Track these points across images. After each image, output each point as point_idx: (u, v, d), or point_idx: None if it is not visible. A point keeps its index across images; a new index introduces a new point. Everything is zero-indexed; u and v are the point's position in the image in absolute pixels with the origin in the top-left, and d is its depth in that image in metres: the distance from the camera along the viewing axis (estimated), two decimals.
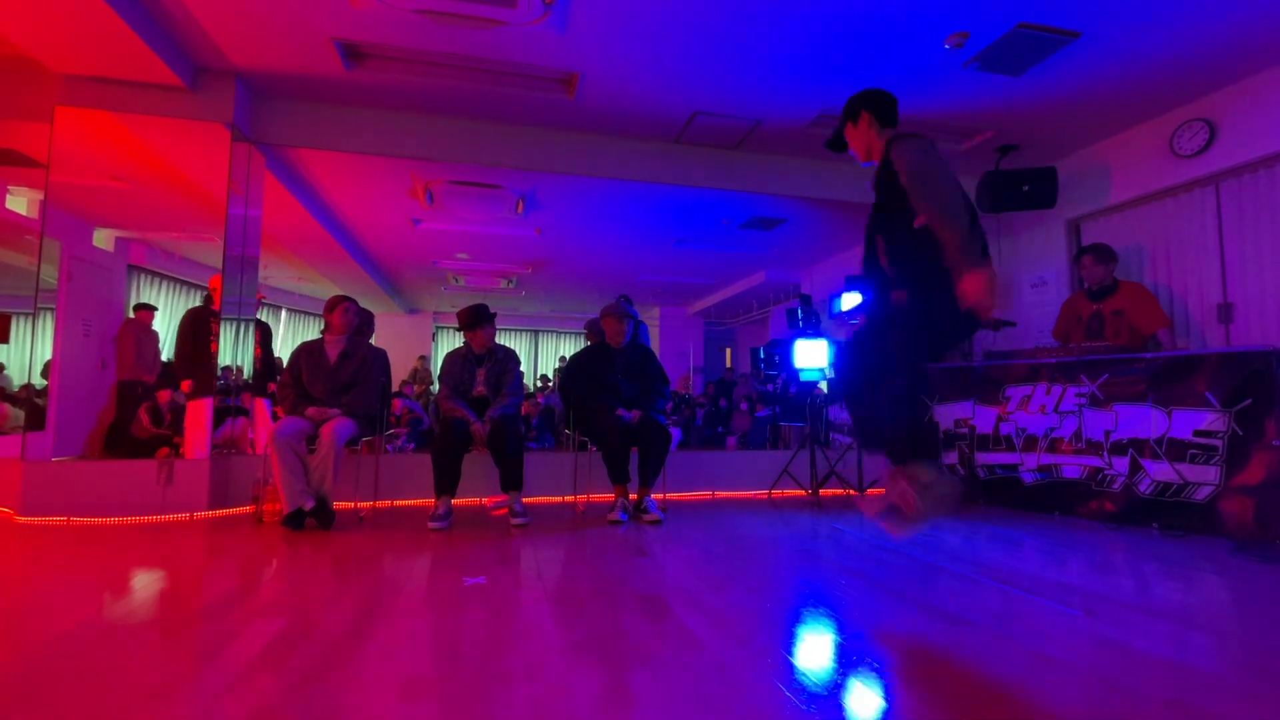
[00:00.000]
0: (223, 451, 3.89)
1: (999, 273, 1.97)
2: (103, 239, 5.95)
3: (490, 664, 1.53)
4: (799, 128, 4.43)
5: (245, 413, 4.28)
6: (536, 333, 13.52)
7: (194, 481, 3.58)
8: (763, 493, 4.56)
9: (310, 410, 3.39)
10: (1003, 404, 3.97)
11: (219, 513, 3.60)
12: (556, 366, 12.56)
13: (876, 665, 1.55)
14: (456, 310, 3.90)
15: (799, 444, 4.78)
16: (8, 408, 5.37)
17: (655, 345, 11.18)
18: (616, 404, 3.71)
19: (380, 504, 3.80)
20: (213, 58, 3.66)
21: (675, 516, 3.65)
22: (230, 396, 4.09)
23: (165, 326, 6.23)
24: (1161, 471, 3.25)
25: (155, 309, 5.90)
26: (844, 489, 4.58)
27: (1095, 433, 3.52)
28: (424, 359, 11.44)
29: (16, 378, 5.50)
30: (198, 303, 5.20)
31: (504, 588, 2.19)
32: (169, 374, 4.96)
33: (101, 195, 5.15)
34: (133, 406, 5.04)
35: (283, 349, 8.83)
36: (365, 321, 3.84)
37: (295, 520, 3.13)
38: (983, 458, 4.04)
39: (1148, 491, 3.30)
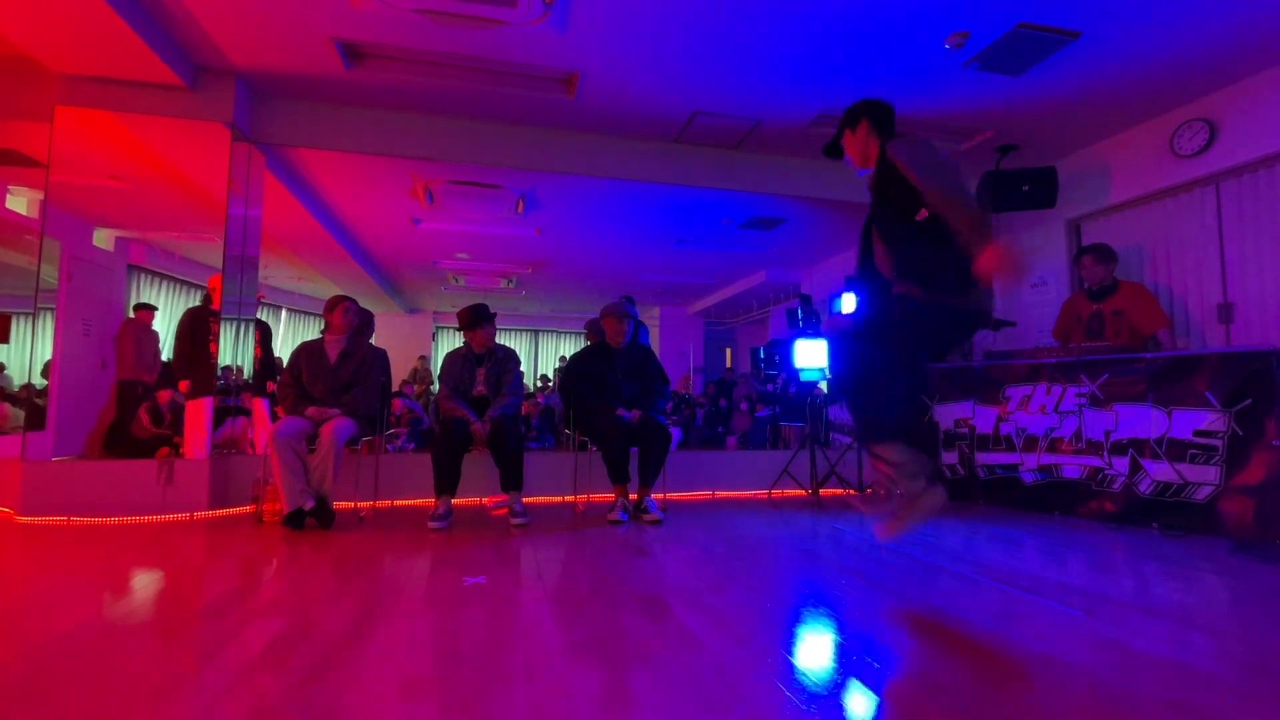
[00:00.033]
0: (223, 451, 3.89)
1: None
2: (103, 239, 5.94)
3: (490, 664, 1.53)
4: (799, 128, 4.43)
5: (245, 413, 4.28)
6: (536, 333, 13.53)
7: (194, 481, 3.58)
8: (763, 493, 4.56)
9: (310, 410, 3.39)
10: (1003, 404, 3.97)
11: (219, 513, 3.60)
12: (556, 366, 12.56)
13: (876, 665, 1.55)
14: (456, 310, 3.90)
15: (799, 444, 4.78)
16: (8, 407, 5.37)
17: (655, 345, 11.19)
18: (616, 404, 3.71)
19: (380, 504, 3.80)
20: (213, 57, 3.66)
21: (675, 516, 3.65)
22: (230, 396, 4.09)
23: (165, 326, 6.22)
24: (1161, 471, 3.25)
25: (155, 309, 5.89)
26: (844, 489, 4.58)
27: (1095, 433, 3.52)
28: (424, 359, 11.45)
29: (17, 377, 5.50)
30: (198, 302, 5.21)
31: (504, 588, 2.19)
32: (169, 374, 4.96)
33: (101, 195, 5.15)
34: (133, 406, 5.04)
35: (283, 349, 8.83)
36: (365, 321, 3.84)
37: (295, 520, 3.13)
38: (983, 458, 4.04)
39: (1148, 491, 3.30)
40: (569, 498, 4.16)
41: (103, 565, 2.50)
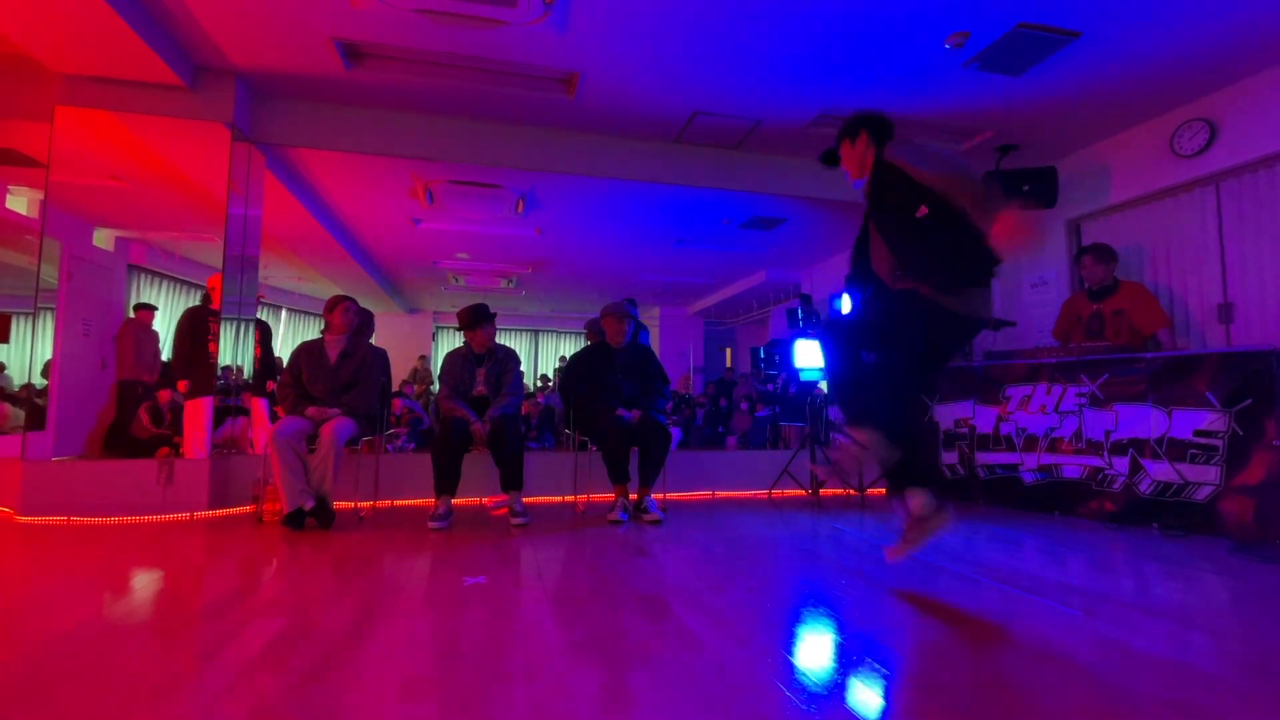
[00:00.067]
0: (223, 451, 3.89)
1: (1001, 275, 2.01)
2: (103, 239, 5.95)
3: (490, 664, 1.53)
4: (799, 127, 4.43)
5: (245, 412, 4.28)
6: (536, 333, 13.53)
7: (194, 481, 3.58)
8: (763, 493, 4.56)
9: (310, 410, 3.39)
10: (1003, 404, 3.97)
11: (219, 512, 3.60)
12: (556, 366, 12.57)
13: (877, 665, 1.55)
14: (456, 310, 3.90)
15: (799, 444, 4.78)
16: (8, 407, 5.37)
17: (655, 345, 11.19)
18: (616, 404, 3.71)
19: (380, 504, 3.80)
20: (213, 57, 3.66)
21: (675, 516, 3.65)
22: (230, 396, 4.09)
23: (165, 326, 6.22)
24: (1162, 471, 3.25)
25: (155, 309, 5.89)
26: (844, 489, 4.58)
27: (1095, 433, 3.52)
28: (424, 359, 11.45)
29: (17, 377, 5.50)
30: (197, 302, 5.21)
31: (504, 588, 2.19)
32: (169, 374, 4.97)
33: (101, 195, 5.15)
34: (133, 406, 5.04)
35: (283, 349, 8.83)
36: (365, 321, 3.84)
37: (295, 520, 3.13)
38: (983, 457, 4.04)
39: (1148, 491, 3.30)
40: (569, 498, 4.16)
41: (103, 565, 2.50)
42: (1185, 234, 4.25)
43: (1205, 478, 3.10)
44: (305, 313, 10.55)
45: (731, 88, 3.93)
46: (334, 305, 3.57)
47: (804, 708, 1.32)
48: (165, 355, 5.86)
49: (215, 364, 3.99)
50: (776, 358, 6.12)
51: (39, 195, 4.60)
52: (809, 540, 3.06)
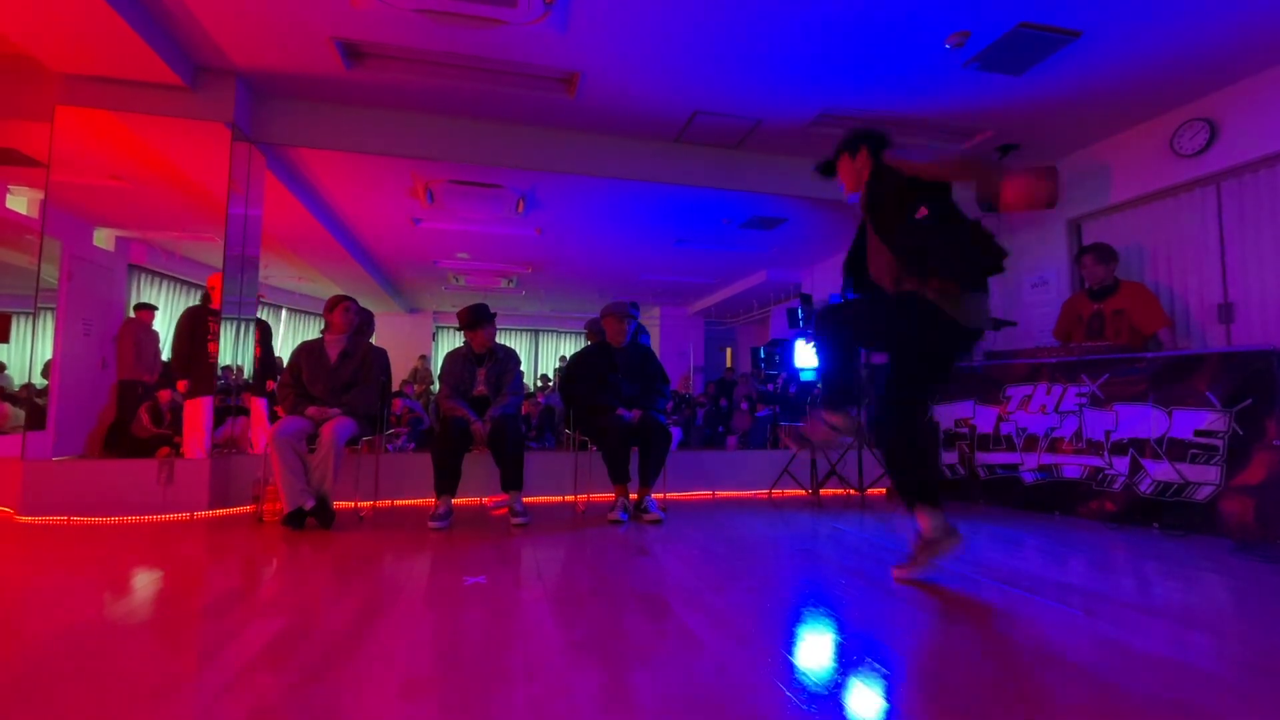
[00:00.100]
0: (223, 451, 3.89)
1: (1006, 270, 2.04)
2: (103, 238, 5.95)
3: (490, 664, 1.53)
4: (800, 127, 4.43)
5: (246, 412, 4.28)
6: (536, 332, 13.53)
7: (194, 481, 3.58)
8: (763, 492, 4.56)
9: (310, 410, 3.39)
10: (1003, 404, 3.96)
11: (219, 512, 3.61)
12: (557, 366, 12.57)
13: (877, 665, 1.55)
14: (457, 310, 3.90)
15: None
16: (8, 407, 5.37)
17: (655, 345, 11.19)
18: (617, 403, 3.71)
19: (380, 503, 3.80)
20: (213, 57, 3.66)
21: (675, 516, 3.65)
22: (230, 396, 4.09)
23: (165, 326, 6.22)
24: (1162, 471, 3.25)
25: (156, 308, 5.90)
26: (844, 488, 4.58)
27: (1096, 432, 3.52)
28: (424, 358, 11.45)
29: (17, 377, 5.50)
30: (197, 302, 5.22)
31: (504, 587, 2.19)
32: (169, 373, 4.97)
33: (102, 195, 5.15)
34: (133, 406, 5.04)
35: (283, 349, 8.83)
36: (365, 321, 3.84)
37: (295, 520, 3.14)
38: (983, 457, 4.04)
39: (1148, 491, 3.30)
40: (569, 497, 4.16)
41: (103, 565, 2.50)
42: (1186, 234, 4.25)
43: (1206, 478, 3.10)
44: (305, 312, 10.55)
45: (732, 87, 3.93)
46: (334, 305, 3.57)
47: (804, 708, 1.32)
48: (165, 355, 5.86)
49: (215, 364, 3.99)
50: (777, 357, 6.11)
51: (39, 195, 4.60)
52: (809, 540, 3.06)
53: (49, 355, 4.47)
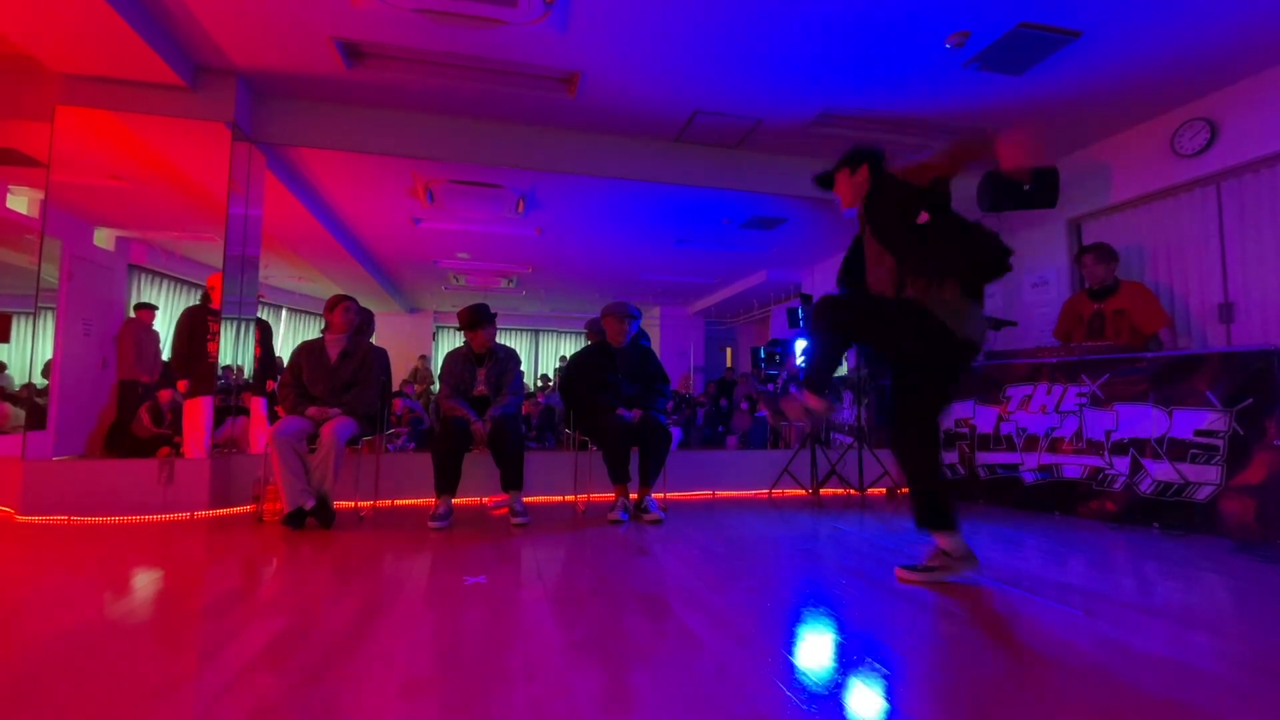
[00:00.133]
0: (223, 451, 3.89)
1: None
2: (103, 238, 5.95)
3: (490, 664, 1.53)
4: (800, 127, 4.43)
5: (246, 412, 4.28)
6: (537, 332, 13.53)
7: (194, 481, 3.58)
8: (763, 492, 4.56)
9: (311, 410, 3.39)
10: (1003, 404, 3.96)
11: (219, 512, 3.61)
12: (557, 366, 12.57)
13: (877, 665, 1.55)
14: (457, 310, 3.90)
15: (799, 443, 4.77)
16: (8, 407, 5.37)
17: (655, 345, 11.18)
18: (617, 403, 3.71)
19: (380, 503, 3.80)
20: (213, 57, 3.66)
21: (676, 516, 3.65)
22: (231, 396, 4.09)
23: (165, 326, 6.22)
24: (1162, 471, 3.25)
25: (156, 308, 5.90)
26: (844, 488, 4.58)
27: (1096, 432, 3.52)
28: (424, 358, 11.45)
29: (17, 377, 5.50)
30: (197, 302, 5.22)
31: (504, 587, 2.19)
32: (169, 373, 4.97)
33: (102, 194, 5.15)
34: (133, 406, 5.04)
35: (283, 349, 8.83)
36: (366, 321, 3.84)
37: (296, 519, 3.14)
38: (983, 457, 4.04)
39: (1148, 491, 3.30)
40: (569, 497, 4.16)
41: (103, 565, 2.50)
42: (1186, 234, 4.25)
43: (1206, 477, 3.10)
44: (305, 312, 10.55)
45: (732, 87, 3.93)
46: (334, 305, 3.57)
47: (804, 707, 1.32)
48: (166, 355, 5.86)
49: (215, 363, 3.99)
50: (777, 357, 6.12)
51: (39, 195, 4.60)
52: (809, 540, 3.06)
53: (49, 355, 4.46)
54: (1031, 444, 3.81)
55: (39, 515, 3.37)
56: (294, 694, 1.37)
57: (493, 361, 3.71)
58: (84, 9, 2.97)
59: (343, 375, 3.51)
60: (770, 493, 4.54)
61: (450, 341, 12.51)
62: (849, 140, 4.51)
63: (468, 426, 3.43)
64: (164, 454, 4.15)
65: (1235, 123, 3.85)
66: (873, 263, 2.33)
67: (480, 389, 3.66)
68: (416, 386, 10.18)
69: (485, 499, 4.06)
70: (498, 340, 3.83)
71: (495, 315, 3.76)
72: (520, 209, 5.71)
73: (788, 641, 1.74)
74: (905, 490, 3.66)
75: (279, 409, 3.63)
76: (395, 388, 6.61)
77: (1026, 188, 4.12)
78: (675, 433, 5.16)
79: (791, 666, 1.54)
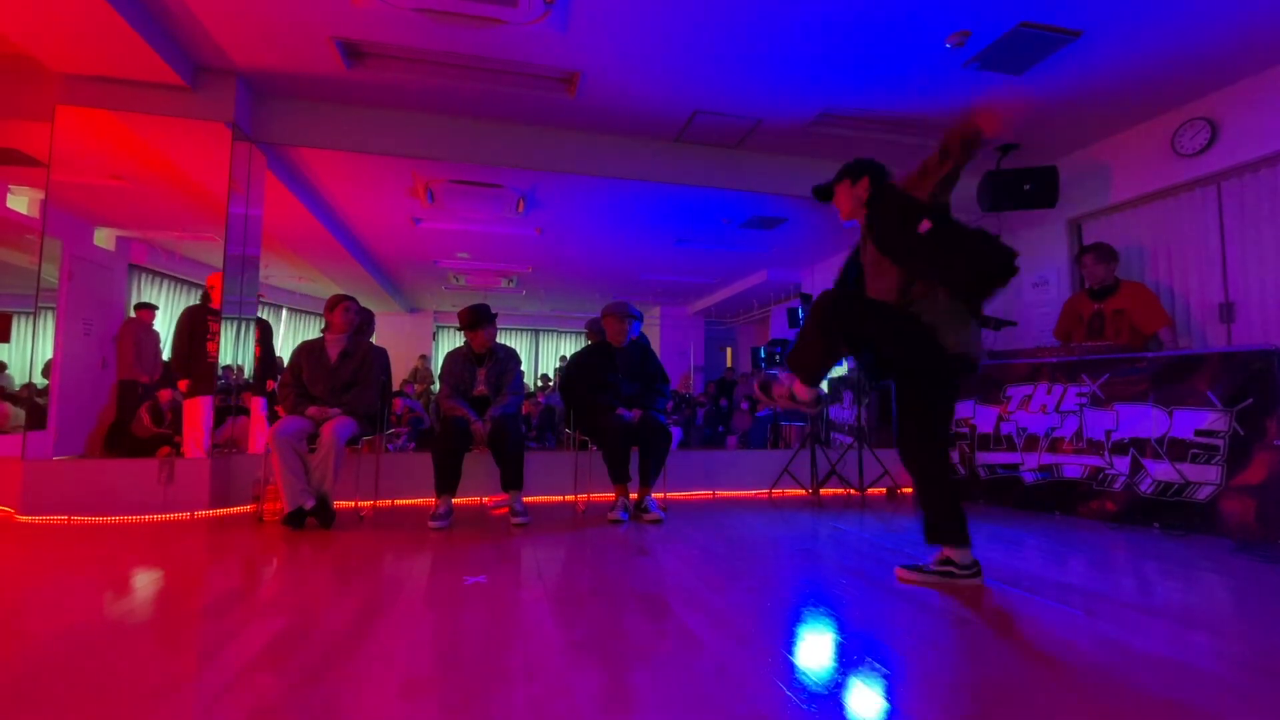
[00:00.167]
0: (223, 451, 3.89)
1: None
2: (103, 238, 5.94)
3: (490, 663, 1.53)
4: (800, 127, 4.43)
5: (246, 412, 4.28)
6: (537, 332, 13.52)
7: (195, 481, 3.59)
8: (763, 492, 4.56)
9: (311, 409, 3.39)
10: (1003, 403, 3.96)
11: (220, 512, 3.61)
12: (557, 366, 12.57)
13: (877, 665, 1.55)
14: (457, 310, 3.90)
15: (799, 443, 4.77)
16: (9, 407, 5.37)
17: (656, 345, 11.18)
18: (617, 403, 3.71)
19: (381, 503, 3.80)
20: (214, 57, 3.66)
21: (676, 516, 3.65)
22: (231, 396, 4.09)
23: (166, 326, 6.22)
24: (1163, 471, 3.25)
25: (156, 308, 5.89)
26: (844, 488, 4.58)
27: (1096, 432, 3.52)
28: (425, 358, 11.45)
29: (18, 377, 5.50)
30: (197, 302, 5.22)
31: (504, 587, 2.19)
32: (170, 373, 4.96)
33: (102, 194, 5.15)
34: (133, 406, 5.04)
35: (283, 349, 8.83)
36: (366, 320, 3.84)
37: (296, 519, 3.14)
38: (983, 457, 4.04)
39: (1149, 491, 3.29)
40: (569, 497, 4.16)
41: (103, 564, 2.50)
42: (1186, 233, 4.25)
43: (1206, 477, 3.10)
44: (305, 312, 10.55)
45: (732, 87, 3.93)
46: (334, 304, 3.57)
47: (804, 707, 1.32)
48: (166, 354, 5.85)
49: (215, 363, 3.99)
50: (777, 357, 6.11)
51: (40, 195, 4.59)
52: (809, 540, 3.06)
53: (49, 355, 4.46)
54: (1032, 444, 3.81)
55: (39, 515, 3.37)
56: (294, 694, 1.37)
57: (493, 361, 3.71)
58: (84, 9, 2.97)
59: (343, 375, 3.51)
60: (770, 493, 4.54)
61: (450, 341, 12.51)
62: (849, 140, 4.54)
63: (468, 426, 3.43)
64: (164, 454, 4.15)
65: (1235, 122, 3.85)
66: (873, 274, 2.34)
67: (480, 389, 3.66)
68: (416, 386, 10.18)
69: (485, 499, 4.06)
70: (498, 340, 3.83)
71: (496, 315, 3.76)
72: (520, 209, 5.71)
73: (788, 641, 1.74)
74: (906, 490, 3.72)
75: (279, 409, 3.63)
76: (395, 387, 6.61)
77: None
78: (675, 433, 5.16)
79: (791, 666, 1.54)
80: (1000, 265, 2.10)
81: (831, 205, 2.57)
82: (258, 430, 4.32)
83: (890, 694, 1.40)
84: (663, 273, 8.70)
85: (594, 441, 3.76)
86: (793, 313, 5.10)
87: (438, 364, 10.58)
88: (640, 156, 4.71)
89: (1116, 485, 3.42)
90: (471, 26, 3.29)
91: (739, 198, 5.49)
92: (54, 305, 4.07)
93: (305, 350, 3.54)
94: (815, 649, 1.70)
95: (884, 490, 4.56)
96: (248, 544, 2.88)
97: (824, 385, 2.41)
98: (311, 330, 10.48)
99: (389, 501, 3.89)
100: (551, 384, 10.59)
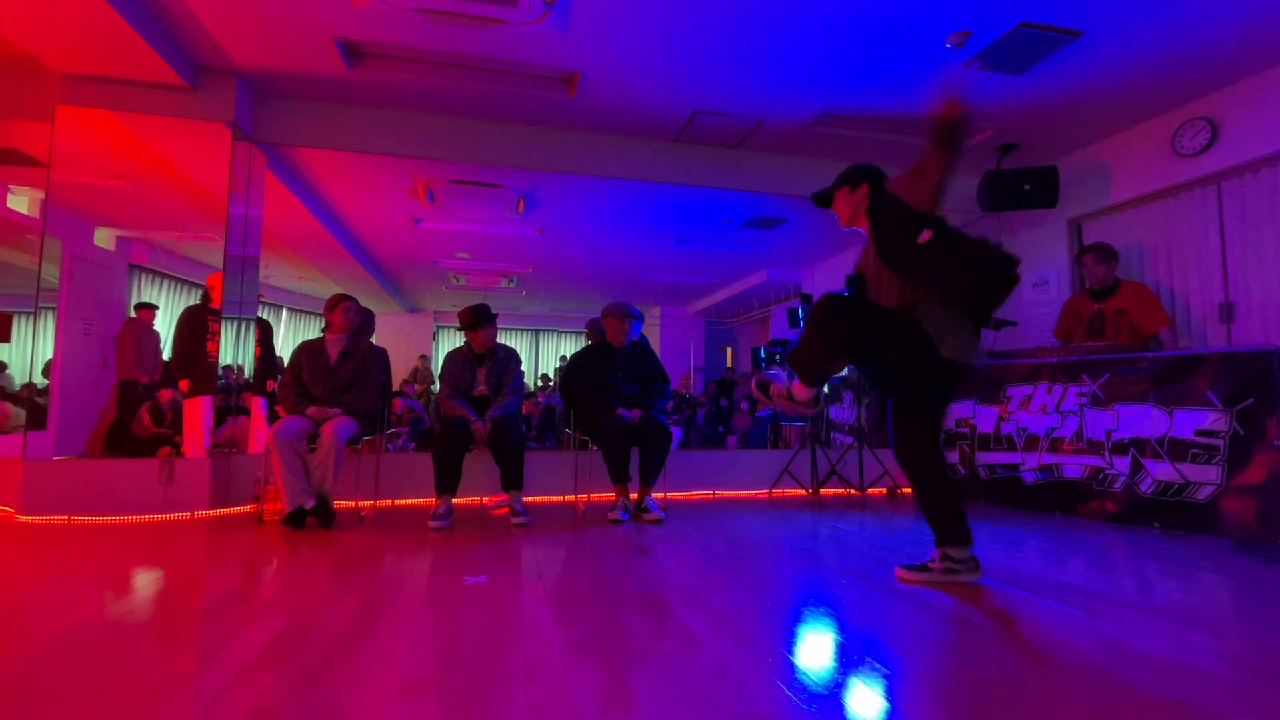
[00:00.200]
0: (223, 451, 3.89)
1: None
2: (104, 238, 5.94)
3: (490, 664, 1.53)
4: (800, 127, 4.43)
5: (246, 412, 4.28)
6: (537, 332, 13.52)
7: (195, 480, 3.59)
8: (763, 492, 4.56)
9: (311, 409, 3.39)
10: (1004, 403, 3.96)
11: (220, 512, 3.61)
12: (557, 366, 12.57)
13: (877, 665, 1.55)
14: (457, 310, 3.90)
15: (799, 443, 4.77)
16: (9, 407, 5.37)
17: (655, 345, 11.18)
18: (617, 403, 3.71)
19: (381, 503, 3.80)
20: (214, 57, 3.66)
21: (676, 516, 3.65)
22: (231, 396, 4.09)
23: (166, 326, 6.22)
24: (1163, 471, 3.25)
25: (156, 308, 5.89)
26: (845, 488, 4.58)
27: (1096, 432, 3.52)
28: (425, 358, 11.45)
29: (18, 377, 5.50)
30: (198, 302, 5.22)
31: (504, 587, 2.19)
32: (170, 373, 4.96)
33: (102, 194, 5.15)
34: (133, 406, 5.04)
35: (283, 348, 8.83)
36: (366, 320, 3.84)
37: (296, 519, 3.14)
38: (983, 457, 4.04)
39: (1149, 491, 3.29)
40: (569, 497, 4.16)
41: (103, 565, 2.50)
42: (1186, 233, 4.25)
43: (1206, 477, 3.10)
44: (306, 312, 10.55)
45: (732, 87, 3.92)
46: (334, 304, 3.57)
47: (804, 707, 1.32)
48: (167, 354, 5.85)
49: (215, 363, 3.99)
50: (777, 357, 6.11)
51: (40, 195, 4.59)
52: (809, 540, 3.06)
53: (50, 355, 4.46)
54: (1032, 444, 3.81)
55: (39, 515, 3.37)
56: (294, 694, 1.37)
57: (493, 361, 3.71)
58: (84, 9, 2.97)
59: (343, 375, 3.51)
60: (770, 493, 4.54)
61: (450, 341, 12.51)
62: (849, 140, 4.54)
63: (468, 426, 3.43)
64: (164, 454, 4.15)
65: (1236, 122, 3.85)
66: (875, 280, 2.34)
67: (480, 389, 3.66)
68: (416, 386, 10.19)
69: (485, 499, 4.06)
70: (498, 340, 3.84)
71: (496, 315, 3.76)
72: (520, 209, 5.71)
73: (788, 641, 1.74)
74: (906, 490, 3.73)
75: (279, 409, 3.63)
76: (395, 387, 6.61)
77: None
78: (675, 433, 5.16)
79: (792, 666, 1.54)
80: (998, 272, 2.10)
81: (831, 210, 2.60)
82: (258, 430, 4.32)
83: (890, 694, 1.40)
84: (663, 273, 8.70)
85: (594, 441, 3.76)
86: (793, 313, 5.10)
87: (438, 364, 10.58)
88: (640, 156, 4.71)
89: (1117, 485, 3.42)
90: (471, 26, 3.29)
91: (739, 198, 5.49)
92: (54, 305, 4.07)
93: (305, 350, 3.54)
94: (815, 649, 1.69)
95: (884, 490, 4.56)
96: (248, 544, 2.88)
97: (824, 386, 2.41)
98: (311, 330, 10.48)
99: (389, 501, 3.90)
100: (551, 384, 10.59)
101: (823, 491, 4.49)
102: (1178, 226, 4.30)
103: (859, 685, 1.44)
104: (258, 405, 4.48)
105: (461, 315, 3.71)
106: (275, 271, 8.53)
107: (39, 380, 4.52)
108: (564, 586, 2.22)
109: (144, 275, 6.87)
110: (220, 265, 3.91)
